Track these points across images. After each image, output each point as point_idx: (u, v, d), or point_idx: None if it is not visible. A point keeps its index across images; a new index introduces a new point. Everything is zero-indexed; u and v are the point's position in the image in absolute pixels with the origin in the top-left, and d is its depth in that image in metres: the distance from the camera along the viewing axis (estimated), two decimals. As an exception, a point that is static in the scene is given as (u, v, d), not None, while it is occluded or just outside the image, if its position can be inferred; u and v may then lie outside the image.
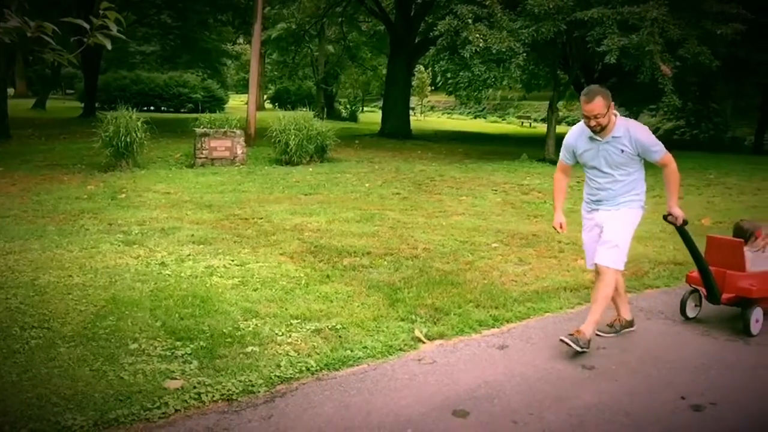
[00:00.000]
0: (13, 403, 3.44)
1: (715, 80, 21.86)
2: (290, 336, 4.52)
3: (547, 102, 20.20)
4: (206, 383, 3.75)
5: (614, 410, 3.65)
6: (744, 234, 5.13)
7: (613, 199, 4.55)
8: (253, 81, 17.59)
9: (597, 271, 4.56)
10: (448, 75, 18.90)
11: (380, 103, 33.04)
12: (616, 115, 4.44)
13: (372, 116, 38.79)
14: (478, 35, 15.53)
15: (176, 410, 3.47)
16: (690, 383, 4.04)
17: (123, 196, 9.79)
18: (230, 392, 3.68)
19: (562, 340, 4.34)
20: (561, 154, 4.77)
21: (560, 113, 31.48)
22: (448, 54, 17.60)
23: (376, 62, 38.75)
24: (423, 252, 6.97)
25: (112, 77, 33.27)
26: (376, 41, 35.39)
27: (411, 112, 30.59)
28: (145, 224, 7.83)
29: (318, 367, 4.06)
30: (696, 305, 5.21)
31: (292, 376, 3.93)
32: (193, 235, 7.30)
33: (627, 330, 4.89)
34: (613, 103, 4.39)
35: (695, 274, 5.00)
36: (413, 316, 4.99)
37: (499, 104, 51.16)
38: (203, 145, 13.53)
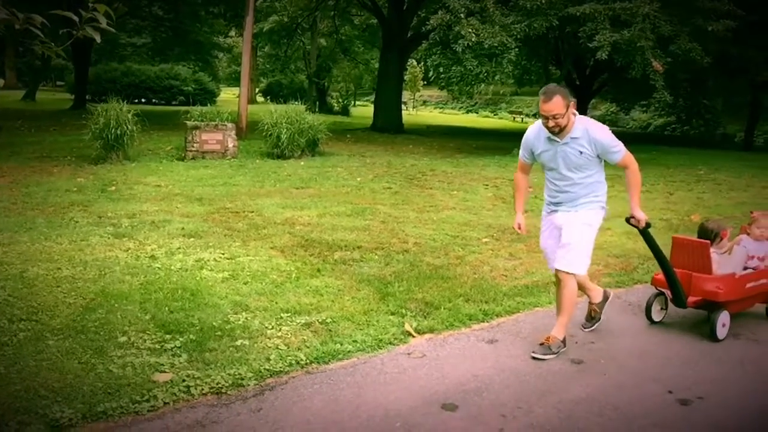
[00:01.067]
0: (0, 395, 3.42)
1: (706, 77, 21.96)
2: (280, 329, 4.52)
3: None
4: (195, 376, 3.75)
5: (602, 404, 3.68)
6: (709, 235, 4.94)
7: (573, 201, 4.38)
8: (244, 74, 17.52)
9: (557, 277, 4.44)
10: (441, 69, 18.91)
11: (372, 97, 32.99)
12: (575, 115, 4.24)
13: (364, 110, 38.74)
14: (470, 30, 15.55)
15: (165, 403, 3.47)
16: (677, 377, 4.07)
17: (113, 188, 9.75)
18: (219, 385, 3.68)
19: (534, 358, 4.25)
20: (520, 153, 4.59)
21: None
22: (440, 48, 17.63)
23: (368, 56, 38.66)
24: (414, 246, 6.98)
25: (102, 69, 33.11)
26: (369, 35, 35.32)
27: (403, 107, 30.58)
28: (135, 217, 7.80)
29: (308, 361, 4.06)
30: (662, 308, 5.07)
31: (281, 369, 3.94)
32: (183, 228, 7.28)
33: (606, 305, 4.86)
34: (573, 101, 4.21)
35: (661, 276, 4.83)
36: (403, 310, 5.00)
37: (491, 99, 51.20)
38: (194, 138, 13.48)
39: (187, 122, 13.69)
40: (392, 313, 4.93)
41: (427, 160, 15.58)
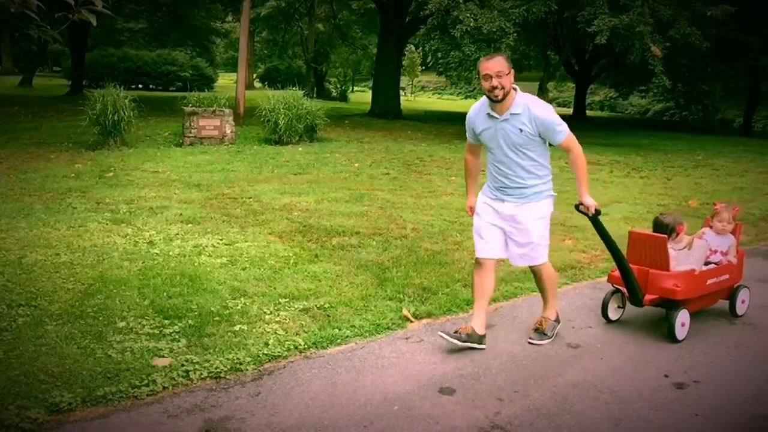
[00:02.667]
0: (0, 380, 3.44)
1: (705, 62, 21.89)
2: (278, 315, 4.54)
3: (538, 83, 20.16)
4: (194, 361, 3.77)
5: (598, 388, 3.70)
6: (665, 229, 4.61)
7: (518, 189, 4.13)
8: (242, 59, 17.44)
9: (532, 271, 4.38)
10: (439, 55, 18.85)
11: (370, 83, 32.87)
12: (516, 90, 4.03)
13: (362, 96, 38.61)
14: (468, 15, 15.48)
15: (164, 388, 3.49)
16: (673, 361, 4.10)
17: (111, 174, 9.74)
18: (218, 370, 3.70)
19: (531, 343, 4.25)
20: (467, 133, 4.38)
21: (550, 94, 31.44)
22: (438, 33, 17.54)
23: (366, 41, 38.47)
24: (412, 232, 6.99)
25: (99, 54, 32.95)
26: (367, 20, 35.11)
27: (401, 92, 30.49)
28: (133, 203, 7.80)
29: (306, 346, 4.08)
30: (619, 306, 4.79)
31: (280, 354, 3.96)
32: (181, 214, 7.28)
33: (473, 345, 4.11)
34: (513, 71, 3.98)
35: (617, 272, 4.51)
36: (401, 296, 5.02)
37: (490, 85, 50.98)
38: (192, 124, 13.44)
39: (185, 108, 13.64)
40: (390, 299, 4.95)
41: (425, 145, 15.56)
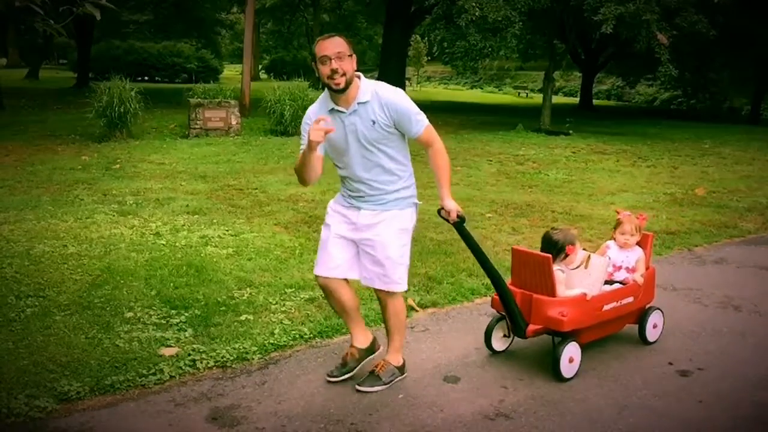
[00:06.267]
0: (9, 370, 3.48)
1: (712, 50, 21.73)
2: (284, 304, 4.57)
3: (544, 72, 20.07)
4: (201, 350, 3.80)
5: (603, 376, 3.71)
6: (553, 248, 3.81)
7: (378, 195, 3.43)
8: (247, 51, 17.44)
9: (380, 300, 3.58)
10: (444, 44, 18.76)
11: (376, 74, 32.80)
12: (360, 77, 3.35)
13: (368, 86, 38.38)
14: (474, 3, 15.38)
15: (171, 377, 3.53)
16: (678, 349, 4.10)
17: (117, 166, 9.78)
18: (225, 359, 3.73)
19: (359, 389, 3.45)
20: (302, 139, 3.34)
21: (557, 83, 31.32)
22: (443, 23, 17.45)
23: (371, 32, 38.44)
24: (417, 222, 6.98)
25: (105, 47, 32.99)
26: (372, 10, 35.03)
27: (407, 83, 30.40)
28: (139, 195, 7.84)
29: (311, 335, 4.11)
30: (505, 335, 4.00)
31: (285, 343, 3.99)
32: (187, 206, 7.32)
33: (368, 359, 3.66)
34: (355, 56, 3.30)
35: None
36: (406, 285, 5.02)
37: (496, 74, 50.80)
38: (198, 115, 13.47)
39: (191, 100, 13.68)
40: (395, 288, 4.96)
41: (430, 136, 15.50)
